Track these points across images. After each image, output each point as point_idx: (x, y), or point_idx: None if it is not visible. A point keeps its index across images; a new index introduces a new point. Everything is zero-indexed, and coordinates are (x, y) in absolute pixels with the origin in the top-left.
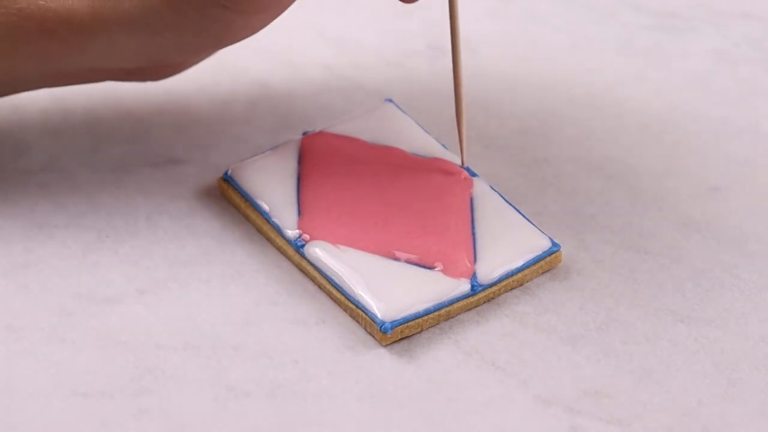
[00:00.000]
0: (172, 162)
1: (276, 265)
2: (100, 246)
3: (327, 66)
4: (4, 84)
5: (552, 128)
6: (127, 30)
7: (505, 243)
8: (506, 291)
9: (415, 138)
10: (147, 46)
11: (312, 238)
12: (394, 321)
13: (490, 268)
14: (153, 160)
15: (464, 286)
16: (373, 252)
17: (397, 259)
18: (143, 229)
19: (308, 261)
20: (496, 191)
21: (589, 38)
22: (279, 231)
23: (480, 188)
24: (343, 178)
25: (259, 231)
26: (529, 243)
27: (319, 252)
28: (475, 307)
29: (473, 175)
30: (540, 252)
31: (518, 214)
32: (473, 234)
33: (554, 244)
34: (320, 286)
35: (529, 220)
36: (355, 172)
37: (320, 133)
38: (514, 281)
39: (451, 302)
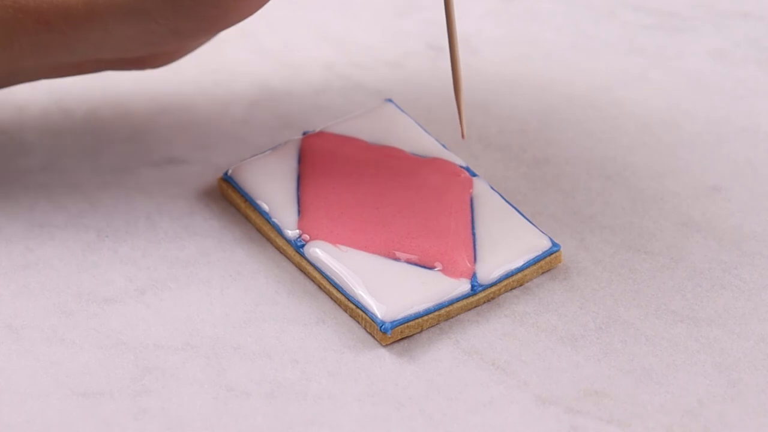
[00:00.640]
0: (172, 162)
1: (276, 265)
2: (100, 246)
3: (327, 66)
4: (1, 76)
5: (552, 128)
6: (122, 18)
7: (505, 243)
8: (506, 291)
9: (415, 138)
10: (142, 33)
11: (312, 238)
12: (394, 321)
13: (490, 268)
14: (153, 160)
15: (464, 286)
16: (373, 252)
17: (397, 259)
18: (143, 229)
19: (308, 261)
20: (496, 191)
21: (589, 38)
22: (279, 231)
23: (480, 188)
24: (343, 178)
25: (259, 231)
26: (529, 243)
27: (319, 252)
28: (475, 307)
29: (473, 175)
30: (540, 252)
31: (518, 214)
32: (473, 234)
33: (554, 244)
34: (320, 286)
35: (529, 220)
36: (355, 172)
37: (320, 133)
38: (514, 281)
39: (451, 302)
